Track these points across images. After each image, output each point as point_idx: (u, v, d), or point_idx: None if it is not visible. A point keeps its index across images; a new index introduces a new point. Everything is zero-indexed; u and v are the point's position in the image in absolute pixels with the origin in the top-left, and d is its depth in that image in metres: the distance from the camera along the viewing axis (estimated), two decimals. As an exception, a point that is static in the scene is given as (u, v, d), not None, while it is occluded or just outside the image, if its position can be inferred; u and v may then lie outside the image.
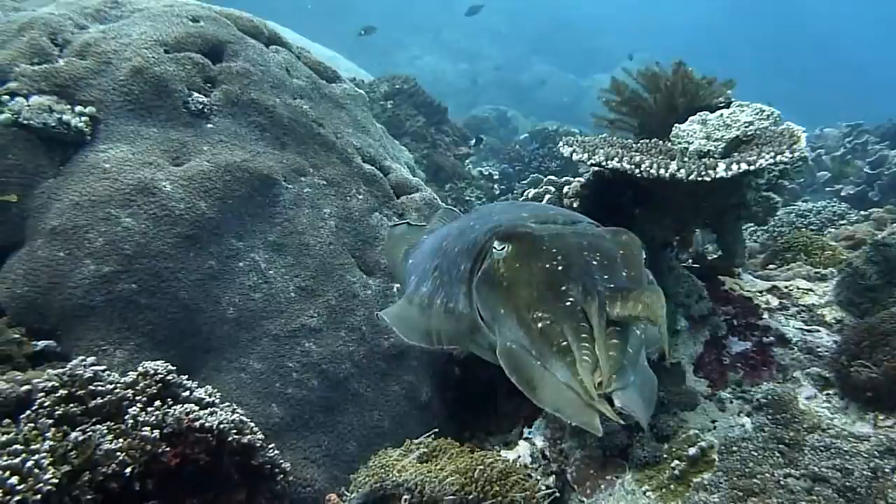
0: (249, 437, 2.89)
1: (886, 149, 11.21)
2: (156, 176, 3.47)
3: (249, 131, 3.96)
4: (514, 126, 21.61)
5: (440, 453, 2.98)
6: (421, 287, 2.36)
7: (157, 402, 2.74)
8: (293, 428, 3.50)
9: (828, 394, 3.32)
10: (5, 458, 2.25)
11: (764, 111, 3.43)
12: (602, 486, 3.38)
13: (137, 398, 2.75)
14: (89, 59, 3.74)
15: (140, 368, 2.86)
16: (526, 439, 3.74)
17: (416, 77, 12.14)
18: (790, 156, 3.00)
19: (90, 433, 2.50)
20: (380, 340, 3.92)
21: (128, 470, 2.50)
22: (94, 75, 3.69)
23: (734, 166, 3.00)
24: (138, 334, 3.25)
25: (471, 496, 2.66)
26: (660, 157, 3.43)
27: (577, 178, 4.10)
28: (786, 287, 3.98)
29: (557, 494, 3.20)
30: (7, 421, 2.57)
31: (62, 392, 2.64)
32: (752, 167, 2.97)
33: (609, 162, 3.18)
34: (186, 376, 2.99)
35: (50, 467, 2.29)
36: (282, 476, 3.00)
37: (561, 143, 3.51)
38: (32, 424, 2.52)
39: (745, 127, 3.39)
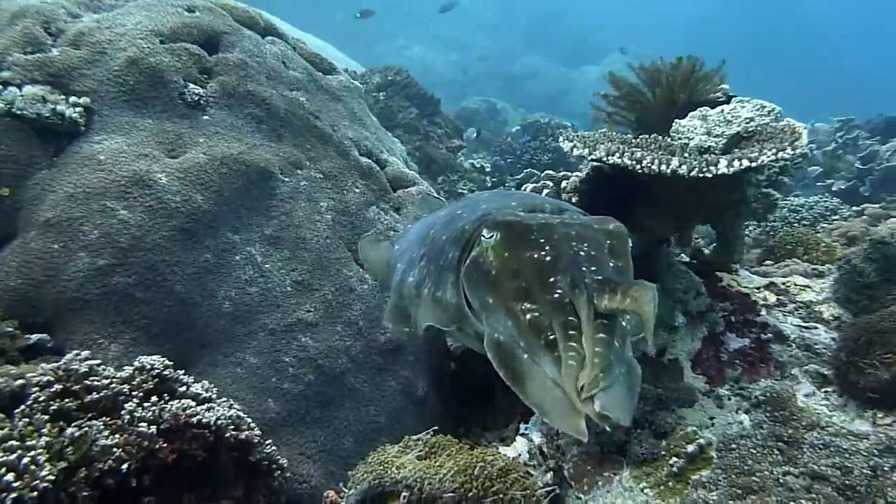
0: (247, 432, 2.86)
1: (877, 144, 11.25)
2: (151, 168, 3.42)
3: (246, 123, 3.92)
4: (504, 118, 21.59)
5: (439, 450, 2.96)
6: (408, 276, 2.34)
7: (154, 398, 2.72)
8: (289, 423, 3.47)
9: (826, 391, 3.32)
10: (1, 454, 2.22)
11: (765, 107, 3.42)
12: (599, 483, 3.37)
13: (134, 393, 2.72)
14: (83, 48, 3.68)
15: (136, 363, 2.83)
16: (523, 435, 3.73)
17: (403, 67, 12.09)
18: (792, 152, 2.99)
19: (86, 429, 2.47)
20: (376, 335, 3.89)
21: (124, 466, 2.48)
22: (89, 65, 3.63)
23: (735, 163, 2.98)
24: (133, 328, 3.21)
25: (470, 493, 2.64)
26: (660, 153, 3.41)
27: (574, 173, 4.08)
28: (783, 283, 3.98)
29: (557, 491, 3.19)
30: (1, 416, 2.53)
31: (57, 387, 2.60)
32: (753, 164, 2.95)
33: (610, 157, 3.16)
34: (183, 371, 2.96)
35: (46, 464, 2.26)
36: (279, 472, 2.98)
37: (561, 139, 3.49)
38: (27, 420, 2.48)
39: (746, 123, 3.38)
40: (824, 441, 3.00)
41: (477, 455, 2.81)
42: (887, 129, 12.18)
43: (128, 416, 2.60)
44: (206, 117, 3.79)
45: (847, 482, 2.78)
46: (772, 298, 3.89)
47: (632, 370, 1.62)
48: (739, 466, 3.06)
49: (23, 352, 3.11)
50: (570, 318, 1.58)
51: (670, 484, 3.17)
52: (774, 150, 2.99)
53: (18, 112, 3.36)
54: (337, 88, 4.78)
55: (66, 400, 2.58)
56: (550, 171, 4.29)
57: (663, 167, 3.05)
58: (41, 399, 2.54)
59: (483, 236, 1.85)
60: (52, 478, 2.24)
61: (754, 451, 3.11)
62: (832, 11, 48.01)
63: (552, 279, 1.66)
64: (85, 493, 2.35)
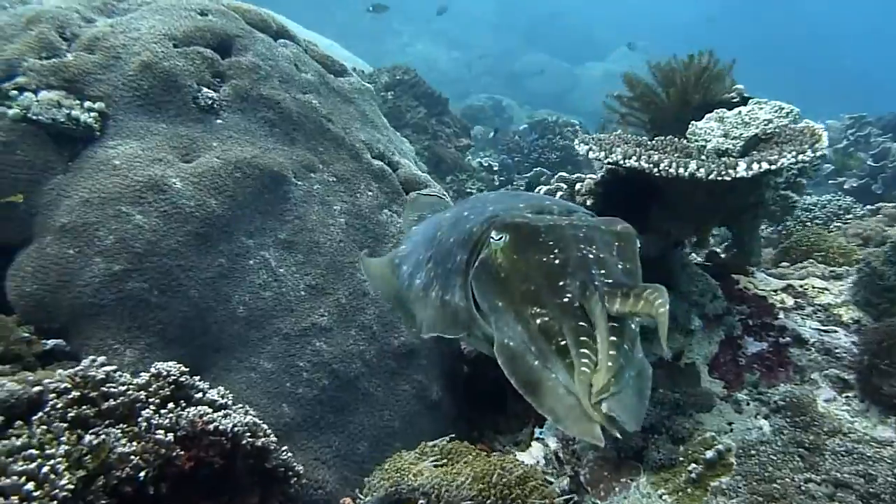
0: (263, 439, 2.85)
1: (889, 141, 11.17)
2: (166, 173, 3.42)
3: (259, 127, 3.91)
4: (510, 115, 21.50)
5: (456, 456, 2.94)
6: (415, 278, 2.32)
7: (171, 405, 2.71)
8: (304, 428, 3.46)
9: (847, 396, 3.28)
10: (21, 463, 2.21)
11: (783, 108, 3.38)
12: (616, 489, 3.35)
13: (150, 400, 2.71)
14: (98, 53, 3.68)
15: (152, 369, 2.82)
16: (538, 440, 3.71)
17: (408, 65, 12.07)
18: (812, 154, 2.95)
19: (104, 436, 2.47)
20: (390, 339, 3.88)
21: (142, 473, 2.47)
22: (103, 70, 3.63)
23: (755, 165, 2.95)
24: (149, 333, 3.21)
25: (488, 501, 2.63)
26: (676, 156, 3.38)
27: (589, 175, 4.05)
28: (801, 286, 3.94)
29: (576, 499, 3.17)
30: (19, 423, 2.53)
31: (75, 394, 2.59)
32: (773, 166, 2.92)
33: (627, 161, 3.13)
34: (198, 377, 2.95)
35: (66, 472, 2.26)
36: (295, 479, 2.96)
37: (576, 141, 3.46)
38: (45, 427, 2.48)
39: (765, 125, 3.35)
40: (846, 448, 2.97)
41: (494, 462, 2.79)
42: (900, 126, 12.09)
43: (145, 424, 2.59)
44: (219, 121, 3.78)
45: (871, 490, 2.75)
46: (789, 301, 3.85)
47: (642, 372, 1.61)
48: (760, 473, 3.04)
49: (39, 357, 3.11)
50: (580, 323, 1.56)
51: (689, 490, 3.14)
52: (794, 153, 2.96)
53: (34, 117, 3.36)
54: (348, 90, 4.76)
55: (84, 407, 2.57)
56: (564, 174, 4.26)
57: (681, 170, 3.03)
58: (59, 406, 2.54)
59: (492, 238, 1.83)
60: (72, 486, 2.24)
61: (775, 458, 3.08)
62: (832, 11, 47.72)
63: (561, 283, 1.65)
64: (103, 502, 2.34)
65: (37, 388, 2.69)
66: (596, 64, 32.45)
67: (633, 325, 1.64)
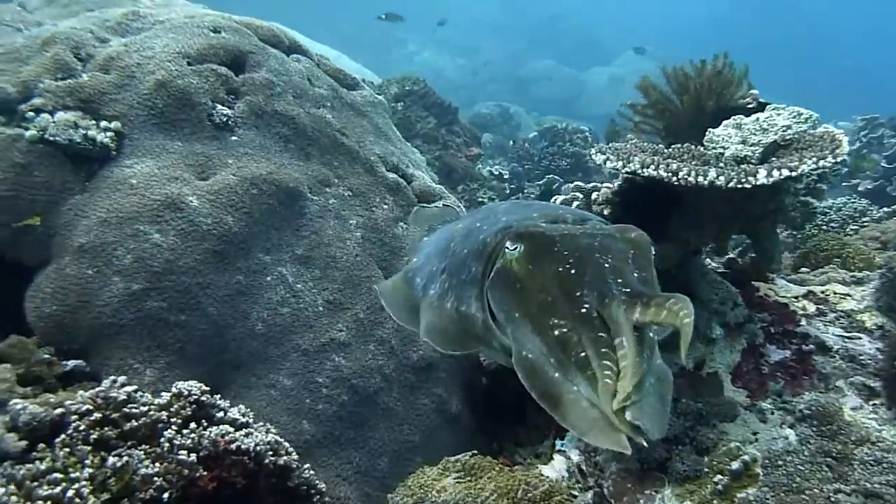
0: (285, 458, 2.84)
1: (903, 142, 11.07)
2: (182, 191, 3.42)
3: (274, 143, 3.91)
4: (518, 122, 21.39)
5: (479, 472, 2.92)
6: (429, 290, 2.30)
7: (192, 424, 2.70)
8: (324, 445, 3.45)
9: (874, 404, 3.24)
10: (46, 487, 2.21)
11: (801, 114, 3.35)
12: (641, 501, 3.31)
13: (172, 420, 2.70)
14: (113, 73, 3.69)
15: (174, 389, 2.81)
16: (560, 452, 3.68)
17: (415, 74, 12.09)
18: (833, 160, 2.92)
19: (126, 458, 2.46)
20: (409, 353, 3.86)
21: (165, 495, 2.46)
22: (118, 89, 3.64)
23: (775, 172, 2.92)
24: (168, 352, 3.21)
25: (514, 517, 2.60)
26: (693, 163, 3.36)
27: (605, 185, 4.03)
28: (822, 292, 3.90)
29: (602, 513, 3.14)
30: (42, 445, 2.53)
31: (97, 415, 2.59)
32: (794, 173, 2.89)
33: (645, 170, 3.11)
34: (219, 395, 2.94)
35: (91, 496, 2.25)
36: (318, 497, 2.94)
37: (594, 151, 3.44)
38: (68, 449, 2.48)
39: (783, 131, 3.32)
40: (875, 457, 2.92)
41: (519, 477, 2.76)
42: (913, 127, 11.99)
43: (167, 444, 2.58)
44: (234, 138, 3.79)
45: (902, 500, 2.71)
46: (811, 308, 3.81)
47: (663, 379, 1.59)
48: (787, 484, 2.99)
49: (60, 378, 3.11)
50: (600, 334, 1.55)
51: (715, 502, 3.10)
52: (815, 159, 2.93)
53: (51, 138, 3.38)
54: (361, 103, 4.76)
55: (106, 428, 2.57)
56: (579, 183, 4.25)
57: (700, 179, 3.00)
58: (81, 428, 2.54)
59: (507, 248, 1.82)
60: (96, 510, 2.23)
61: (802, 468, 3.04)
62: (833, 11, 47.53)
63: (578, 293, 1.63)
64: (128, 525, 2.33)
65: (59, 411, 2.68)
66: (602, 69, 32.41)
67: (651, 334, 1.62)
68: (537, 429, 4.12)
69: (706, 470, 3.24)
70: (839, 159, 2.95)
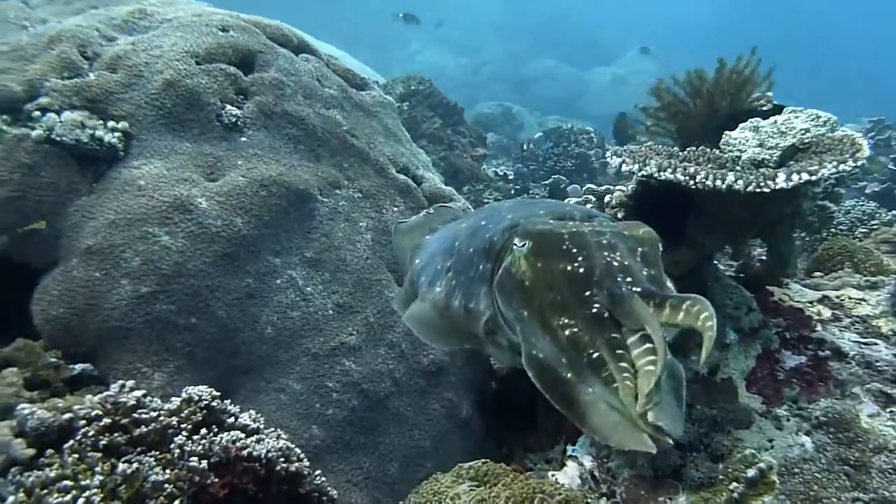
0: (297, 464, 2.79)
1: (910, 144, 11.03)
2: (191, 192, 3.38)
3: (284, 144, 3.86)
4: (520, 122, 21.30)
5: (493, 479, 2.88)
6: (434, 288, 2.27)
7: (203, 430, 2.66)
8: (334, 450, 3.40)
9: (892, 411, 3.19)
10: (56, 495, 2.17)
11: (820, 117, 3.31)
12: (655, 508, 3.27)
13: (182, 426, 2.66)
14: (120, 72, 3.65)
15: (184, 394, 2.77)
16: (572, 458, 3.63)
17: (416, 73, 12.04)
18: (853, 164, 2.88)
19: (136, 465, 2.42)
20: (419, 357, 3.82)
21: (176, 502, 2.41)
22: (126, 89, 3.60)
23: (794, 176, 2.88)
24: (177, 356, 3.16)
25: (530, 526, 2.56)
26: (709, 167, 3.32)
27: (618, 187, 3.99)
28: (837, 297, 3.86)
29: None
30: (50, 451, 2.49)
31: (106, 421, 2.55)
32: (813, 177, 2.85)
33: (662, 173, 3.07)
34: (228, 400, 2.90)
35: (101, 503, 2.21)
36: None
37: (608, 154, 3.40)
38: (77, 455, 2.44)
39: (802, 134, 3.27)
40: (894, 465, 2.88)
41: (534, 486, 2.72)
42: (920, 129, 11.94)
43: (178, 451, 2.54)
44: (243, 139, 3.74)
45: (924, 511, 2.67)
46: (826, 313, 3.76)
47: (675, 374, 1.56)
48: (804, 492, 2.95)
49: (67, 382, 3.07)
50: (613, 334, 1.53)
51: (731, 510, 3.06)
52: (835, 163, 2.88)
53: (58, 138, 3.33)
54: (371, 104, 4.72)
55: (115, 434, 2.53)
56: (591, 185, 4.20)
57: (718, 182, 2.95)
58: (90, 434, 2.49)
59: (515, 244, 1.79)
60: (107, 519, 2.19)
61: (819, 476, 2.99)
62: (837, 12, 47.42)
63: (587, 293, 1.62)
64: (138, 534, 2.29)
65: (67, 416, 2.65)
66: (604, 69, 32.34)
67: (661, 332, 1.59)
68: (548, 433, 4.07)
69: (721, 477, 3.20)
70: (859, 163, 2.90)
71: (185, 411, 2.71)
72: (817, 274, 4.48)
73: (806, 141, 3.26)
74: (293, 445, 2.85)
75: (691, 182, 3.02)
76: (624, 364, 1.48)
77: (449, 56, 33.09)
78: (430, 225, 3.07)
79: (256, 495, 2.66)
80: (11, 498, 2.15)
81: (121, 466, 2.37)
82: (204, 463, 2.53)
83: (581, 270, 1.65)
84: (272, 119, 3.87)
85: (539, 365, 1.61)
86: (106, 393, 2.65)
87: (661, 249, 1.83)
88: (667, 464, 3.33)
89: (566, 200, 4.45)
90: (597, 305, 1.58)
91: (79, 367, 3.10)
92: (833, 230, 6.64)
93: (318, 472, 2.89)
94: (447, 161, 10.71)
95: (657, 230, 1.89)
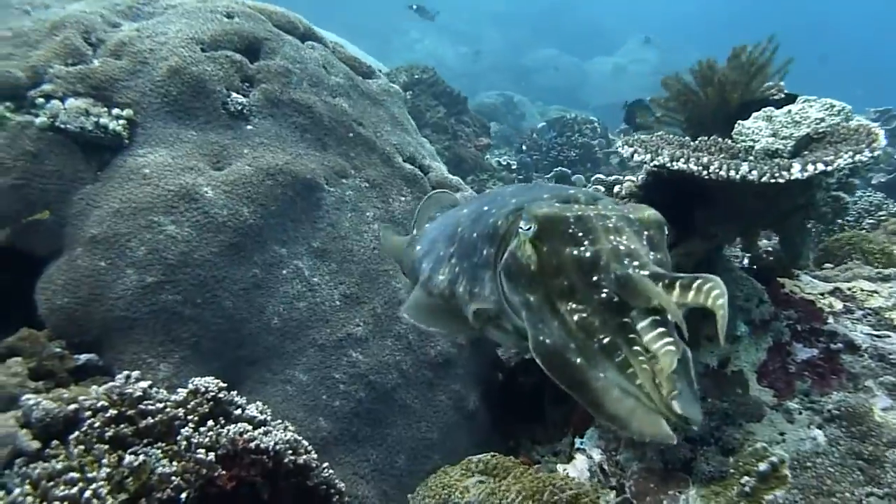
0: (304, 456, 2.76)
1: (917, 134, 10.94)
2: (197, 181, 3.33)
3: (290, 132, 3.82)
4: (522, 112, 21.18)
5: (502, 472, 2.84)
6: (437, 275, 2.23)
7: (210, 422, 2.63)
8: (341, 442, 3.38)
9: (906, 405, 3.16)
10: (63, 488, 2.14)
11: (834, 106, 3.25)
12: (664, 502, 3.24)
13: (189, 418, 2.63)
14: (125, 58, 3.60)
15: (190, 386, 2.74)
16: (580, 450, 3.60)
17: (416, 62, 11.97)
18: (870, 154, 2.83)
19: (143, 456, 2.39)
20: (426, 349, 3.78)
21: (183, 495, 2.39)
22: (131, 76, 3.55)
23: (810, 167, 2.83)
24: (183, 347, 3.13)
25: (541, 520, 2.53)
26: (722, 157, 3.27)
27: (627, 178, 3.94)
28: (848, 289, 3.81)
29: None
30: (55, 442, 2.46)
31: (112, 412, 2.52)
32: (829, 167, 2.80)
33: (675, 163, 3.02)
34: (235, 391, 2.87)
35: (108, 496, 2.18)
36: (337, 497, 2.87)
37: (619, 143, 3.35)
38: (83, 447, 2.41)
39: (817, 123, 3.22)
40: (909, 460, 2.85)
41: (545, 479, 2.69)
42: (927, 119, 11.85)
43: (185, 443, 2.51)
44: (249, 127, 3.70)
45: (940, 506, 2.63)
46: (838, 305, 3.72)
47: (684, 355, 1.52)
48: (817, 486, 2.92)
49: (72, 373, 3.04)
50: (624, 319, 1.49)
51: (742, 504, 3.03)
52: (851, 153, 2.83)
53: (62, 126, 3.29)
54: (377, 92, 4.67)
55: (122, 425, 2.50)
56: (600, 176, 4.16)
57: (732, 173, 2.91)
58: (96, 425, 2.47)
59: (521, 227, 1.74)
60: (114, 512, 2.16)
61: (832, 470, 2.96)
62: (838, 1, 47.14)
63: (595, 277, 1.57)
64: (145, 526, 2.26)
65: (72, 406, 2.62)
66: (605, 58, 32.19)
67: (669, 316, 1.55)
68: (555, 426, 4.04)
69: (732, 471, 3.17)
70: (876, 153, 2.85)
71: (192, 403, 2.68)
72: (827, 266, 4.43)
73: (821, 131, 3.21)
74: (301, 438, 2.82)
75: (704, 172, 2.97)
76: (638, 348, 1.44)
77: (449, 45, 32.88)
78: (429, 213, 3.03)
79: (264, 488, 2.64)
80: (18, 490, 2.12)
81: (128, 458, 2.34)
82: (211, 455, 2.50)
83: (588, 255, 1.61)
84: (278, 107, 3.82)
85: (547, 350, 1.58)
86: (111, 384, 2.62)
87: (666, 233, 1.79)
88: (677, 457, 3.29)
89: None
90: (606, 290, 1.54)
91: (83, 357, 3.07)
92: (841, 222, 6.60)
93: (325, 464, 2.86)
94: (451, 151, 10.65)
95: (667, 220, 1.86)
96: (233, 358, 3.26)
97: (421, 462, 3.54)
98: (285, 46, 4.10)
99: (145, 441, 2.52)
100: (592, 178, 4.20)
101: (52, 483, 2.16)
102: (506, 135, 16.79)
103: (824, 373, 3.40)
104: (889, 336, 3.49)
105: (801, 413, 3.30)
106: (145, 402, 2.59)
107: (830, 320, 3.61)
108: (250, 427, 2.69)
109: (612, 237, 1.65)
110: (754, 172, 2.88)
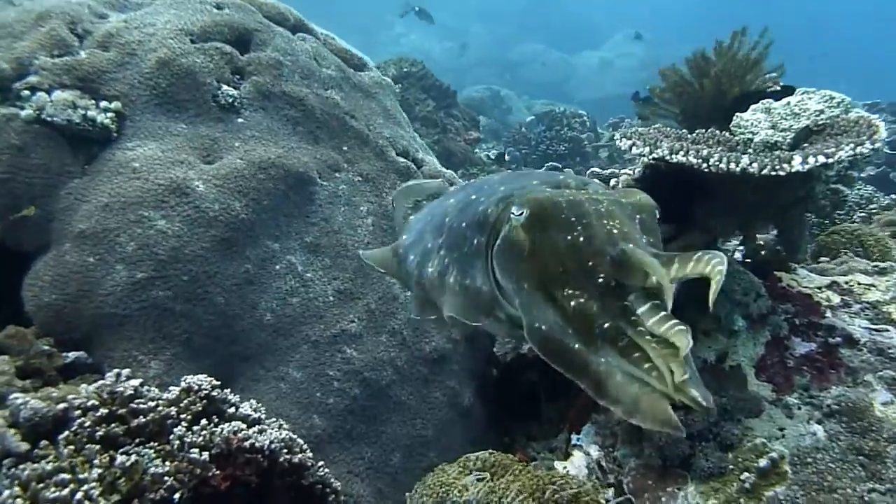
0: (300, 455, 2.71)
1: (905, 127, 10.98)
2: (188, 175, 3.27)
3: (282, 125, 3.75)
4: (508, 106, 21.13)
5: (500, 470, 2.80)
6: (426, 267, 2.19)
7: (203, 421, 2.57)
8: (335, 440, 3.33)
9: (906, 400, 3.14)
10: (53, 489, 2.08)
11: (833, 98, 3.23)
12: (663, 499, 3.21)
13: (182, 416, 2.57)
14: (112, 50, 3.52)
15: (182, 384, 2.68)
16: (577, 447, 3.57)
17: (404, 56, 11.89)
18: (871, 147, 2.80)
19: (135, 457, 2.33)
20: (421, 345, 3.74)
21: (176, 495, 2.33)
22: (119, 68, 3.47)
23: (811, 159, 2.80)
24: (174, 344, 3.07)
25: (542, 518, 2.49)
26: (720, 149, 3.23)
27: (624, 171, 3.91)
28: (846, 282, 3.79)
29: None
30: (44, 442, 2.40)
31: (102, 411, 2.46)
32: (830, 160, 2.77)
33: (674, 156, 2.98)
34: (228, 389, 2.81)
35: (100, 498, 2.12)
36: (333, 496, 2.82)
37: (617, 136, 3.31)
38: (73, 447, 2.34)
39: (816, 116, 3.19)
40: (910, 455, 2.83)
41: (544, 478, 2.65)
42: (915, 113, 11.92)
43: (178, 442, 2.45)
44: (240, 120, 3.63)
45: (943, 501, 2.62)
46: (835, 299, 3.70)
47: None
48: (818, 482, 2.89)
49: (60, 371, 2.97)
50: (624, 303, 1.46)
51: (742, 501, 3.00)
52: (852, 145, 2.80)
53: (48, 119, 3.21)
54: (369, 85, 4.60)
55: (113, 425, 2.44)
56: (596, 169, 4.13)
57: (733, 165, 2.87)
58: (87, 425, 2.40)
59: (513, 213, 1.71)
60: (106, 514, 2.10)
61: (833, 466, 2.94)
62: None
63: (591, 262, 1.55)
64: (138, 529, 2.20)
65: (61, 406, 2.56)
66: (591, 53, 32.20)
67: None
68: (550, 422, 4.01)
69: (731, 467, 3.14)
70: (877, 145, 2.83)
71: (185, 401, 2.62)
72: (823, 259, 4.41)
73: (820, 123, 3.18)
74: (296, 436, 2.77)
75: (704, 165, 2.94)
76: (642, 329, 1.41)
77: (434, 40, 32.70)
78: (406, 205, 2.97)
79: (259, 487, 2.59)
80: (7, 492, 2.06)
81: (119, 458, 2.28)
82: (205, 455, 2.44)
83: (581, 239, 1.59)
84: (270, 100, 3.75)
85: (542, 336, 1.55)
86: (101, 382, 2.56)
87: (657, 217, 1.76)
88: (675, 453, 3.27)
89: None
90: (602, 275, 1.52)
91: (72, 354, 3.00)
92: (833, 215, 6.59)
93: (321, 463, 2.81)
94: (441, 145, 10.58)
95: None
96: (225, 355, 3.20)
97: (416, 459, 3.50)
98: (276, 38, 4.03)
99: (137, 441, 2.46)
100: (588, 172, 4.15)
101: (42, 485, 2.10)
102: (493, 129, 16.74)
103: (823, 367, 3.38)
104: (888, 330, 3.47)
105: (800, 408, 3.27)
106: (137, 400, 2.53)
107: (828, 314, 3.59)
108: (244, 426, 2.63)
109: (604, 221, 1.62)
110: (755, 165, 2.85)
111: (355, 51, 4.87)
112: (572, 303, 1.51)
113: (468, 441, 3.75)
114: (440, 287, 2.08)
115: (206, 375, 2.72)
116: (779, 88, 3.96)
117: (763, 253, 3.95)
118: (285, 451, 2.65)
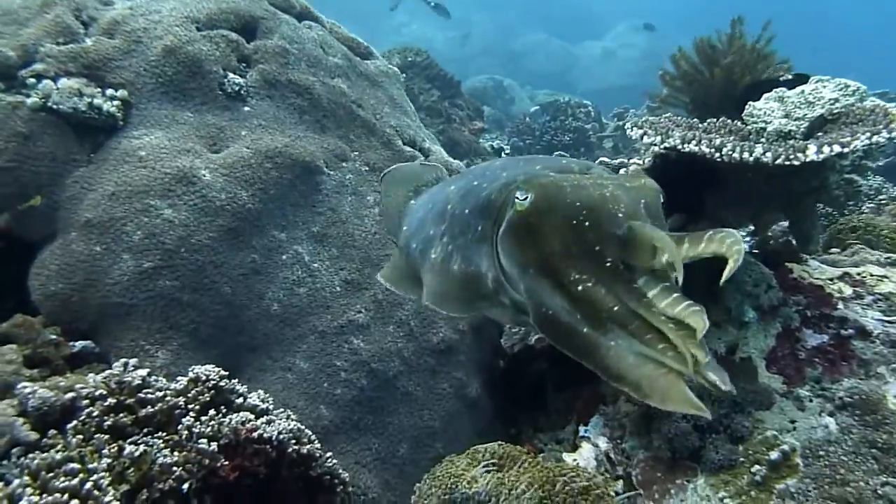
0: (308, 446, 2.70)
1: (915, 118, 10.90)
2: (194, 164, 3.24)
3: (289, 114, 3.72)
4: (511, 96, 21.03)
5: (509, 462, 2.78)
6: (428, 254, 2.16)
7: (211, 411, 2.56)
8: (342, 431, 3.31)
9: (919, 392, 3.11)
10: (63, 479, 2.06)
11: (849, 86, 3.18)
12: (672, 491, 3.19)
13: (190, 406, 2.56)
14: (118, 37, 3.49)
15: (190, 374, 2.67)
16: (585, 438, 3.55)
17: (405, 46, 11.81)
18: (888, 136, 2.76)
19: (144, 447, 2.31)
20: (428, 335, 3.71)
21: (185, 485, 2.32)
22: (125, 55, 3.44)
23: (826, 149, 2.76)
24: (181, 333, 3.05)
25: (552, 510, 2.47)
26: (731, 138, 3.20)
27: (633, 161, 3.87)
28: (858, 274, 3.74)
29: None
30: (53, 432, 2.38)
31: (110, 401, 2.45)
32: (846, 149, 2.73)
33: (686, 145, 2.94)
34: (237, 380, 2.80)
35: (109, 488, 2.10)
36: (341, 487, 2.81)
37: (628, 125, 3.28)
38: (81, 436, 2.33)
39: (831, 104, 3.15)
40: (924, 448, 2.80)
41: (554, 470, 2.62)
42: (923, 104, 11.84)
43: (186, 432, 2.44)
44: (247, 108, 3.60)
45: (958, 495, 2.59)
46: (847, 290, 3.65)
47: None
48: (830, 476, 2.87)
49: (67, 360, 2.96)
50: (634, 285, 1.45)
51: (753, 494, 2.97)
52: (869, 134, 2.76)
53: (54, 106, 3.18)
54: (376, 74, 4.56)
55: (121, 414, 2.43)
56: (605, 159, 4.09)
57: (746, 155, 2.84)
58: (95, 414, 2.39)
59: (517, 198, 1.68)
60: (116, 502, 2.09)
61: (845, 459, 2.91)
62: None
63: (597, 246, 1.53)
64: (147, 519, 2.19)
65: (70, 395, 2.54)
66: (594, 43, 32.02)
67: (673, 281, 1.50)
68: (558, 413, 3.99)
69: (742, 459, 3.12)
70: (893, 134, 2.79)
71: (193, 391, 2.61)
72: (834, 250, 4.37)
73: (835, 111, 3.14)
74: (303, 427, 2.75)
75: (717, 154, 2.90)
76: (655, 309, 1.38)
77: (436, 29, 32.48)
78: (414, 184, 2.93)
79: (267, 478, 2.57)
80: (17, 481, 2.04)
81: (128, 448, 2.27)
82: (213, 445, 2.43)
83: (586, 224, 1.57)
84: (276, 88, 3.72)
85: (549, 320, 1.53)
86: (109, 371, 2.55)
87: (662, 201, 1.74)
88: (685, 445, 3.24)
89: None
90: (609, 258, 1.50)
91: (79, 344, 2.99)
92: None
93: (329, 454, 2.80)
94: (445, 135, 10.53)
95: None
96: (232, 345, 3.18)
97: (423, 450, 3.48)
98: (282, 26, 4.00)
99: (145, 430, 2.45)
100: (597, 162, 4.11)
101: (51, 474, 2.09)
102: (496, 119, 16.67)
103: (835, 359, 3.35)
104: (900, 322, 3.44)
105: (811, 400, 3.24)
106: (144, 390, 2.52)
107: (840, 306, 3.55)
108: (252, 416, 2.62)
109: (609, 205, 1.59)
110: (769, 154, 2.82)
111: (361, 39, 4.83)
112: (579, 287, 1.49)
113: (475, 432, 3.73)
114: (443, 273, 2.05)
115: (213, 366, 2.71)
116: (791, 77, 3.91)
117: (773, 243, 3.91)
118: (293, 441, 2.63)
